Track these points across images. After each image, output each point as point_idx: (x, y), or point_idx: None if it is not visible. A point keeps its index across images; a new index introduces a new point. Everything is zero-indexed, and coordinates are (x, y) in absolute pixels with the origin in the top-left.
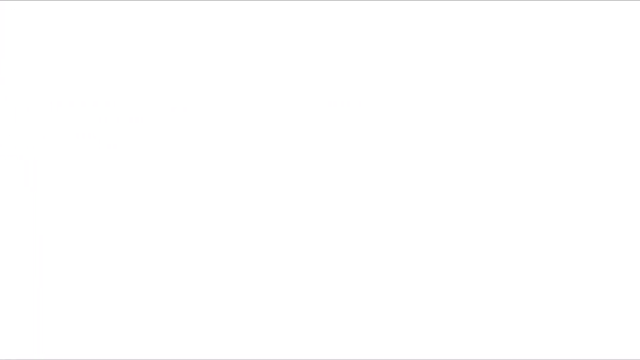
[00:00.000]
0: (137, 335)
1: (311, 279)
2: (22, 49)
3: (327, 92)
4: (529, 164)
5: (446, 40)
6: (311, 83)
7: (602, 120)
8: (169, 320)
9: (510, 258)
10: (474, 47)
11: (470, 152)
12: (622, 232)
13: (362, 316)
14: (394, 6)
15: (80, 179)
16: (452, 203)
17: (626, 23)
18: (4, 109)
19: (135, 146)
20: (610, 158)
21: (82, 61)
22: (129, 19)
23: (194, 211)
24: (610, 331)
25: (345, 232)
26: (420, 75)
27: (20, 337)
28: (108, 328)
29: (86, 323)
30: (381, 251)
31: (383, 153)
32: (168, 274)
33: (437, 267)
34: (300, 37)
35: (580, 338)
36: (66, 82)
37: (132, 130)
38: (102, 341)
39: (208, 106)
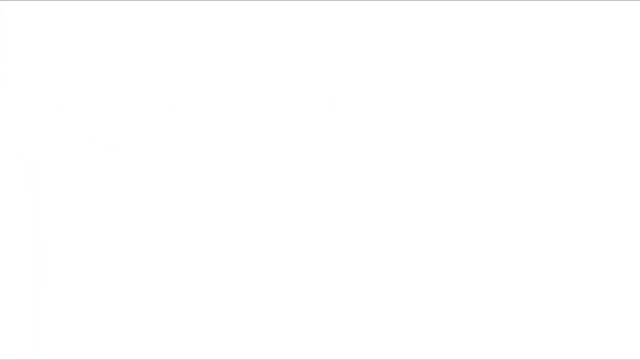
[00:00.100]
0: (137, 335)
1: (311, 279)
2: (22, 49)
3: (327, 92)
4: (528, 164)
5: (446, 40)
6: (311, 83)
7: (602, 120)
8: (168, 320)
9: (510, 258)
10: (474, 47)
11: (470, 152)
12: (622, 231)
13: (362, 316)
14: (394, 6)
15: (80, 179)
16: (452, 203)
17: (626, 23)
18: (4, 109)
19: (135, 146)
20: (610, 158)
21: (82, 61)
22: (129, 19)
23: (194, 211)
24: (610, 331)
25: (345, 232)
26: (420, 75)
27: (21, 337)
28: (108, 328)
29: (86, 323)
30: (381, 251)
31: (383, 153)
32: (168, 274)
33: (437, 267)
34: (300, 37)
35: (580, 338)
36: (66, 82)
37: (132, 130)
38: (102, 341)
39: (208, 106)
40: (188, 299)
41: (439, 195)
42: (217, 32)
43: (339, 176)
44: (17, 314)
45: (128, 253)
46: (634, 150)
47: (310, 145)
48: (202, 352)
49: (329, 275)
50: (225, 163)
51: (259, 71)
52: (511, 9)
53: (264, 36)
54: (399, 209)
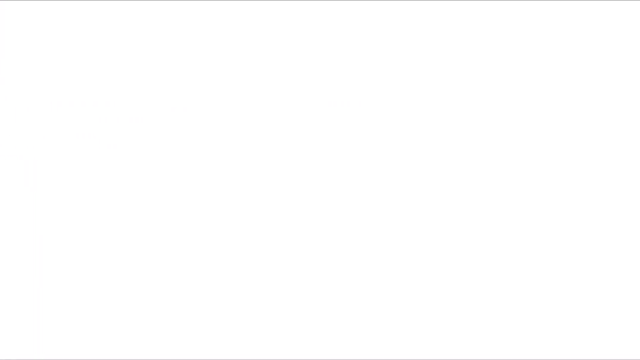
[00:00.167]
0: (137, 335)
1: (311, 279)
2: (22, 49)
3: (327, 92)
4: (528, 163)
5: (446, 40)
6: (311, 83)
7: (602, 120)
8: (168, 320)
9: (510, 258)
10: (474, 47)
11: (470, 152)
12: (622, 231)
13: (362, 316)
14: (394, 6)
15: (80, 179)
16: (452, 203)
17: (626, 23)
18: (4, 109)
19: (135, 146)
20: (610, 158)
21: (82, 61)
22: (129, 19)
23: (194, 211)
24: (610, 331)
25: (344, 232)
26: (420, 75)
27: (21, 337)
28: (108, 328)
29: (86, 323)
30: (381, 251)
31: (383, 153)
32: (168, 274)
33: (437, 267)
34: (300, 37)
35: (580, 338)
36: (66, 82)
37: (132, 130)
38: (101, 341)
39: (208, 106)
40: (188, 299)
41: (438, 195)
42: (217, 32)
43: (339, 176)
44: (17, 314)
45: (128, 253)
46: (634, 150)
47: (310, 145)
48: (202, 352)
49: (328, 275)
50: (225, 163)
51: (259, 71)
52: (511, 9)
53: (264, 36)
54: (398, 209)
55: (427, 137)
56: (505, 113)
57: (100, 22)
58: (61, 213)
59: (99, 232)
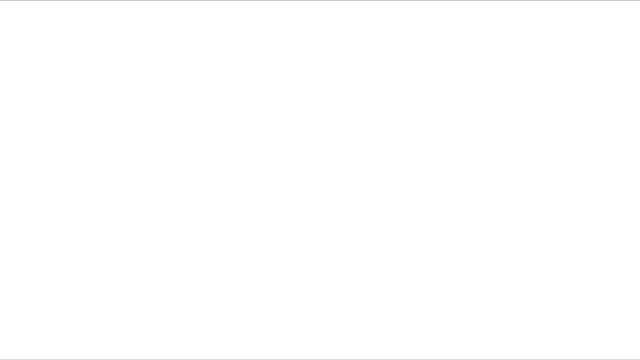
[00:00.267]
0: (137, 335)
1: (311, 279)
2: (22, 49)
3: (327, 92)
4: (528, 163)
5: (446, 40)
6: (311, 83)
7: (602, 120)
8: (168, 320)
9: (510, 258)
10: (474, 47)
11: (470, 152)
12: (622, 231)
13: (362, 316)
14: (394, 6)
15: (81, 179)
16: (452, 203)
17: (626, 23)
18: (3, 109)
19: (136, 146)
20: (610, 158)
21: (82, 61)
22: (129, 19)
23: (194, 211)
24: (610, 331)
25: (344, 232)
26: (420, 75)
27: (20, 337)
28: (108, 328)
29: (85, 323)
30: (381, 251)
31: (383, 153)
32: (168, 274)
33: (437, 267)
34: (300, 37)
35: (580, 338)
36: (66, 82)
37: (132, 130)
38: (101, 341)
39: (208, 106)
40: (188, 299)
41: (438, 195)
42: (217, 32)
43: (339, 176)
44: (17, 314)
45: (128, 253)
46: (634, 150)
47: (310, 145)
48: (202, 352)
49: (328, 275)
50: (225, 163)
51: (259, 71)
52: (511, 9)
53: (264, 36)
54: (398, 209)
55: (427, 137)
56: (505, 113)
57: (100, 22)
58: (61, 213)
59: (99, 232)
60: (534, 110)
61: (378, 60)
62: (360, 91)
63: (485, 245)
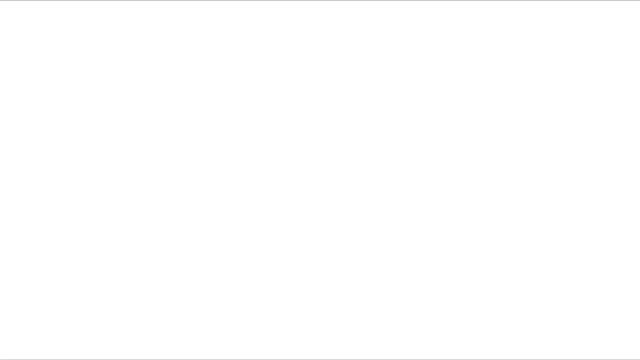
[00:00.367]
0: (137, 335)
1: (311, 279)
2: (22, 49)
3: (327, 92)
4: (528, 163)
5: (446, 40)
6: (311, 83)
7: (602, 120)
8: (168, 321)
9: (510, 258)
10: (474, 47)
11: (470, 152)
12: (622, 232)
13: (362, 316)
14: (394, 6)
15: (80, 179)
16: (452, 203)
17: (626, 23)
18: (3, 109)
19: (136, 146)
20: (610, 158)
21: (82, 61)
22: (129, 19)
23: (194, 211)
24: (610, 331)
25: (344, 232)
26: (420, 75)
27: (20, 337)
28: (107, 328)
29: (85, 323)
30: (381, 251)
31: (383, 153)
32: (167, 274)
33: (437, 267)
34: (300, 37)
35: (580, 338)
36: (66, 82)
37: (132, 130)
38: (101, 341)
39: (208, 106)
40: (188, 299)
41: (438, 195)
42: (217, 32)
43: (339, 176)
44: (17, 314)
45: (128, 253)
46: (634, 150)
47: (310, 145)
48: (202, 352)
49: (328, 275)
50: (225, 163)
51: (259, 71)
52: (511, 9)
53: (264, 36)
54: (398, 209)
55: (427, 137)
56: (505, 113)
57: (100, 22)
58: (61, 213)
59: (99, 232)
60: (534, 110)
61: (378, 60)
62: (360, 91)
63: (485, 245)
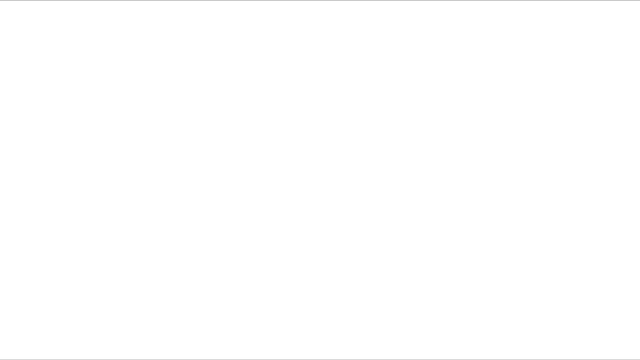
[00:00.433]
0: (137, 335)
1: (311, 279)
2: (22, 49)
3: (327, 92)
4: (528, 164)
5: (446, 40)
6: (311, 83)
7: (602, 120)
8: (168, 321)
9: (510, 259)
10: (474, 47)
11: (470, 152)
12: (622, 232)
13: (362, 316)
14: (394, 6)
15: (80, 179)
16: (453, 203)
17: (626, 23)
18: (3, 109)
19: (136, 146)
20: (610, 158)
21: (82, 61)
22: (129, 19)
23: (194, 212)
24: (610, 331)
25: (344, 232)
26: (419, 75)
27: (20, 337)
28: (107, 328)
29: (85, 323)
30: (381, 251)
31: (383, 153)
32: (167, 274)
33: (437, 267)
34: (300, 37)
35: (580, 338)
36: (66, 82)
37: (133, 130)
38: (101, 341)
39: (208, 106)
40: (187, 299)
41: (439, 195)
42: (217, 32)
43: (339, 176)
44: (17, 314)
45: (128, 254)
46: (634, 150)
47: (310, 145)
48: (202, 353)
49: (327, 275)
50: (225, 163)
51: (258, 71)
52: (511, 9)
53: (264, 36)
54: (398, 209)
55: (427, 137)
56: (505, 113)
57: (100, 22)
58: (61, 213)
59: (99, 232)
60: (534, 110)
61: (378, 60)
62: (360, 91)
63: (485, 245)
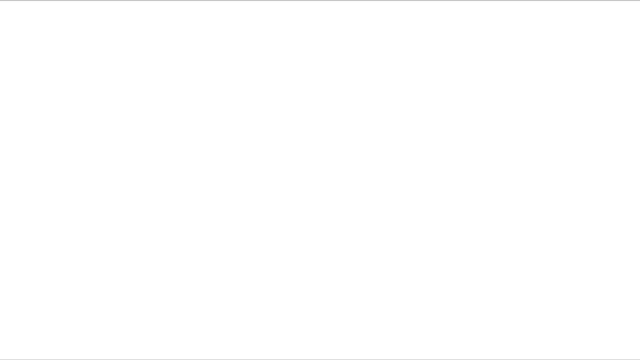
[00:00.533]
0: (137, 335)
1: (311, 279)
2: (22, 49)
3: (327, 92)
4: (528, 164)
5: (446, 40)
6: (311, 83)
7: (602, 120)
8: (168, 321)
9: (510, 259)
10: (474, 47)
11: (470, 152)
12: (622, 232)
13: (362, 316)
14: (394, 6)
15: (80, 179)
16: (453, 204)
17: (626, 23)
18: (3, 109)
19: (136, 146)
20: (610, 158)
21: (82, 61)
22: (129, 19)
23: (194, 212)
24: (610, 331)
25: (344, 232)
26: (419, 75)
27: (20, 337)
28: (107, 328)
29: (85, 323)
30: (381, 252)
31: (383, 153)
32: (167, 274)
33: (437, 268)
34: (300, 37)
35: (580, 338)
36: (66, 82)
37: (133, 130)
38: (101, 341)
39: (208, 106)
40: (188, 300)
41: (439, 195)
42: (217, 32)
43: (339, 176)
44: (17, 314)
45: (127, 254)
46: (634, 150)
47: (310, 145)
48: (202, 353)
49: (328, 275)
50: (225, 163)
51: (258, 71)
52: (511, 9)
53: (264, 36)
54: (398, 209)
55: (427, 137)
56: (505, 113)
57: (100, 22)
58: (60, 213)
59: (99, 232)
60: (534, 110)
61: (378, 60)
62: (360, 91)
63: (485, 245)
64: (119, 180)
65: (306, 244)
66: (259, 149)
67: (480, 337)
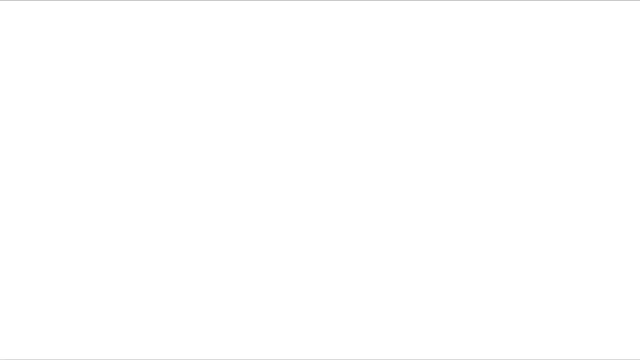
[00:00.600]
0: (137, 335)
1: (311, 279)
2: (22, 49)
3: (327, 92)
4: (528, 164)
5: (446, 40)
6: (311, 83)
7: (602, 120)
8: (168, 321)
9: (510, 259)
10: (474, 47)
11: (470, 152)
12: (622, 232)
13: (363, 316)
14: (394, 6)
15: (80, 179)
16: (453, 204)
17: (626, 23)
18: (3, 109)
19: (136, 146)
20: (610, 158)
21: (82, 61)
22: (129, 19)
23: (194, 212)
24: (610, 331)
25: (344, 232)
26: (419, 75)
27: (20, 337)
28: (107, 328)
29: (85, 323)
30: (381, 252)
31: (383, 153)
32: (167, 274)
33: (437, 268)
34: (300, 37)
35: (580, 338)
36: (66, 82)
37: (133, 130)
38: (101, 341)
39: (208, 106)
40: (187, 300)
41: (439, 195)
42: (217, 32)
43: (339, 177)
44: (17, 314)
45: (127, 254)
46: (634, 150)
47: (310, 145)
48: (202, 353)
49: (328, 275)
50: (225, 164)
51: (259, 71)
52: (511, 9)
53: (264, 36)
54: (398, 209)
55: (427, 137)
56: (505, 113)
57: (100, 22)
58: (61, 213)
59: (99, 233)
60: (534, 110)
61: (378, 60)
62: (360, 91)
63: (485, 245)
64: (119, 180)
65: (306, 244)
66: (259, 149)
67: (480, 337)
